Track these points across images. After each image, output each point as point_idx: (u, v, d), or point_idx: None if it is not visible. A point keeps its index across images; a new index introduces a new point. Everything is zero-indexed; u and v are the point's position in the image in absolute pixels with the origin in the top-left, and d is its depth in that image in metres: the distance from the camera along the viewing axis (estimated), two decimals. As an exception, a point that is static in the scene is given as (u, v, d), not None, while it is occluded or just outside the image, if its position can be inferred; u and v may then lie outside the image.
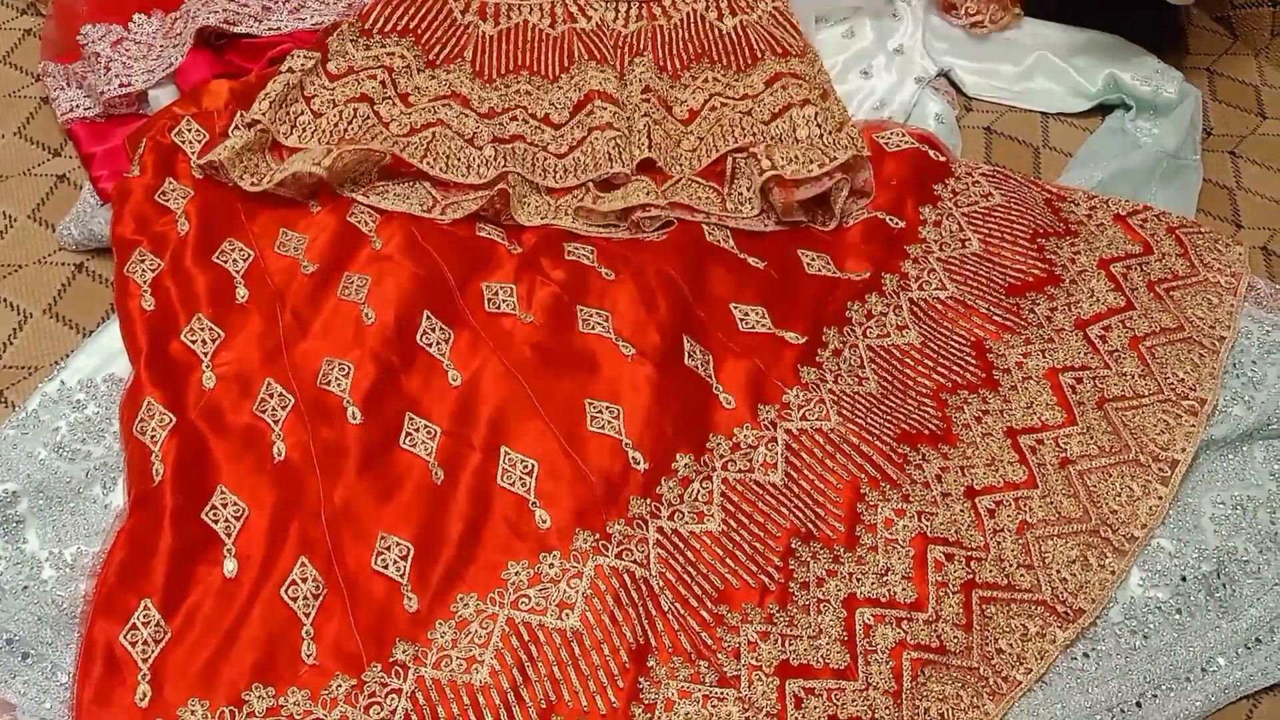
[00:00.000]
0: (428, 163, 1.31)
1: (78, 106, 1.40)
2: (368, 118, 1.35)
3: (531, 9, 1.53)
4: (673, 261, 1.25)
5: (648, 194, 1.30)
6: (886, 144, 1.43)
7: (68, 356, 1.18)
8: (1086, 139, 1.53)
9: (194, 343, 1.15)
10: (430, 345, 1.17)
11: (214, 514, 1.04)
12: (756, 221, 1.33)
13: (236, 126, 1.31)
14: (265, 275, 1.21)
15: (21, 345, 1.22)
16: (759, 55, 1.50)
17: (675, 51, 1.51)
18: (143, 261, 1.21)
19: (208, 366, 1.14)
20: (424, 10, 1.48)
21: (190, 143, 1.31)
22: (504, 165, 1.32)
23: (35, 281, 1.27)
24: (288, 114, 1.32)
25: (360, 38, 1.43)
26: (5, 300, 1.25)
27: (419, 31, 1.46)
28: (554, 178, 1.34)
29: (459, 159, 1.33)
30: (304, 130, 1.32)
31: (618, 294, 1.22)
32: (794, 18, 1.55)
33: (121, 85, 1.37)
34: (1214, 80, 1.63)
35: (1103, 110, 1.57)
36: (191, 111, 1.34)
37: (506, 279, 1.24)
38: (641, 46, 1.50)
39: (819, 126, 1.37)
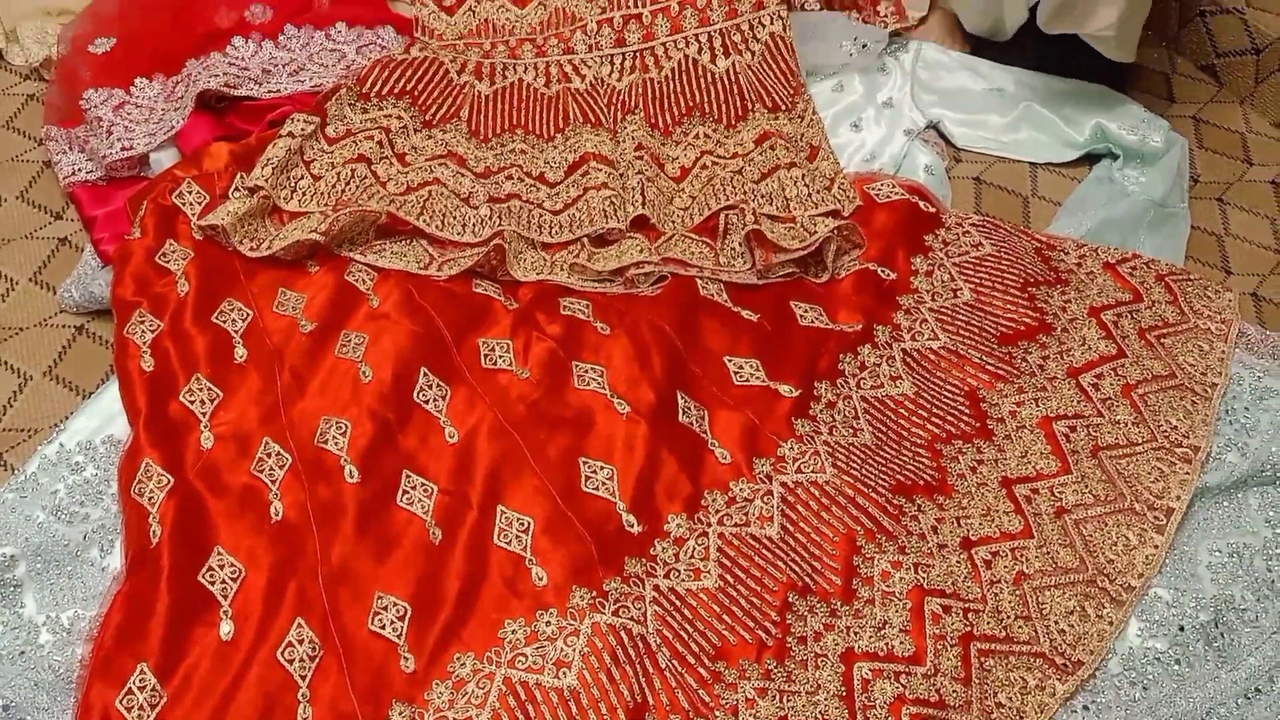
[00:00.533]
0: (424, 220, 1.33)
1: (80, 170, 1.42)
2: (365, 178, 1.37)
3: (526, 68, 1.56)
4: (667, 315, 1.26)
5: (641, 251, 1.31)
6: (877, 195, 1.45)
7: (67, 419, 1.19)
8: (1075, 188, 1.54)
9: (192, 403, 1.16)
10: (427, 402, 1.18)
11: (211, 575, 1.05)
12: (750, 275, 1.34)
13: (237, 189, 1.33)
14: (264, 334, 1.23)
15: (21, 408, 1.23)
16: (749, 107, 1.53)
17: (667, 106, 1.53)
18: (142, 322, 1.22)
19: (206, 426, 1.15)
20: (420, 72, 1.51)
21: (191, 204, 1.33)
22: (499, 224, 1.34)
23: (36, 344, 1.28)
24: (288, 179, 1.35)
25: (358, 101, 1.46)
26: (6, 363, 1.26)
27: (415, 93, 1.49)
28: (549, 233, 1.36)
29: (455, 217, 1.35)
30: (304, 194, 1.35)
31: (612, 349, 1.23)
32: (791, 40, 1.59)
33: (123, 148, 1.39)
34: (1200, 128, 1.65)
35: (1090, 159, 1.58)
36: (192, 173, 1.36)
37: (503, 335, 1.25)
38: (634, 104, 1.52)
39: (806, 186, 1.40)
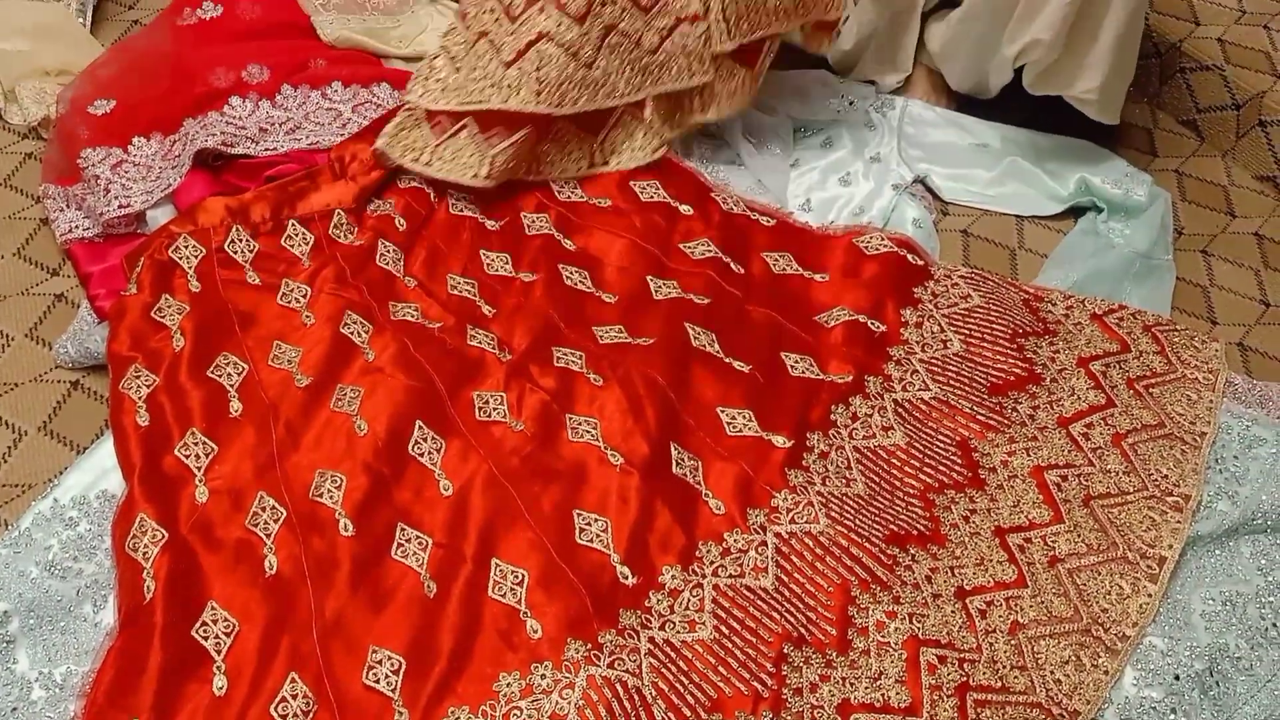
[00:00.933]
0: (542, 102, 1.40)
1: (77, 227, 1.43)
2: (485, 53, 1.43)
3: None
4: (660, 366, 1.27)
5: None
6: (866, 248, 1.47)
7: (62, 474, 1.19)
8: (1061, 240, 1.57)
9: (187, 458, 1.17)
10: (422, 455, 1.18)
11: (204, 630, 1.04)
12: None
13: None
14: (259, 388, 1.23)
15: (16, 463, 1.23)
16: None
17: None
18: (138, 377, 1.23)
19: (201, 481, 1.15)
20: None
21: (187, 259, 1.34)
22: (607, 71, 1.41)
23: (31, 399, 1.28)
24: (429, 68, 1.46)
25: None
26: (1, 419, 1.26)
27: None
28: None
29: (571, 82, 1.41)
30: (443, 83, 1.45)
31: (606, 400, 1.24)
32: None
33: (121, 206, 1.41)
34: (1183, 181, 1.68)
35: (1075, 213, 1.61)
36: (188, 229, 1.37)
37: (496, 387, 1.25)
38: None
39: None
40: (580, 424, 1.22)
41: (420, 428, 1.20)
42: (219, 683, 1.01)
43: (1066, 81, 1.51)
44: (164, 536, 1.09)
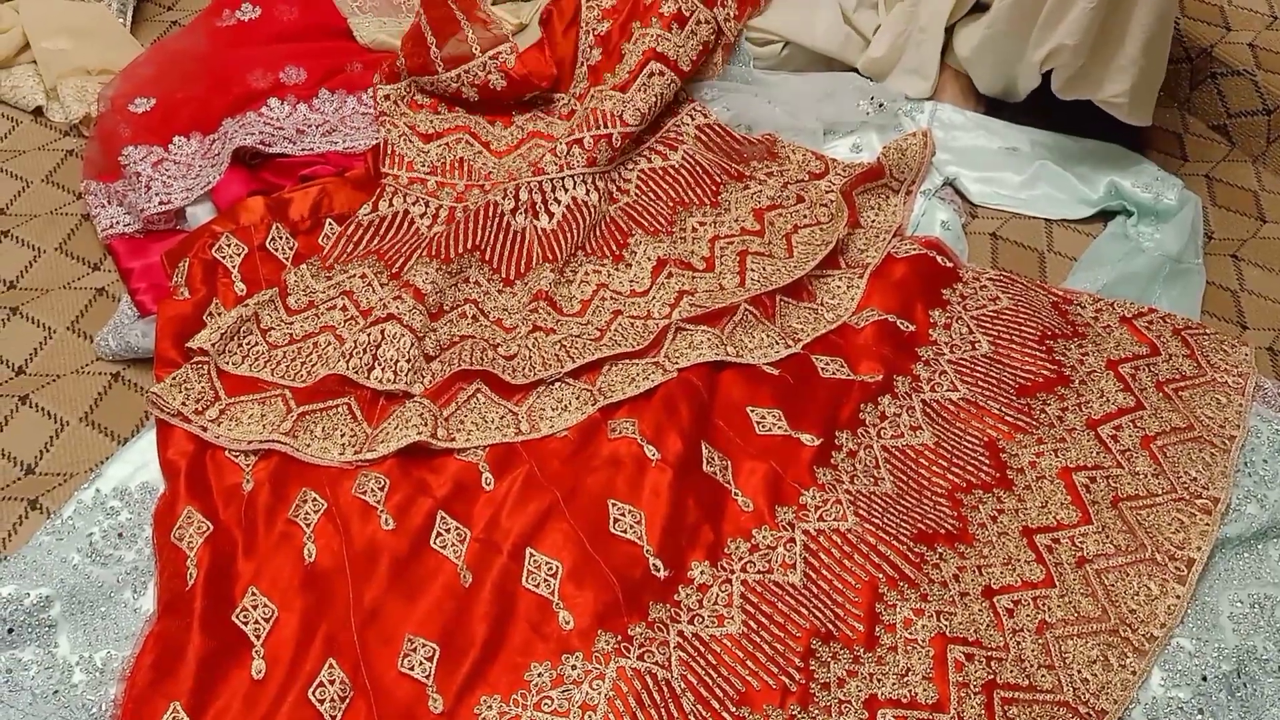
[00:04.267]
0: (376, 377, 1.27)
1: (118, 223, 1.46)
2: (329, 344, 1.31)
3: (498, 192, 1.49)
4: (694, 370, 1.28)
5: (711, 348, 1.31)
6: (896, 251, 1.48)
7: (103, 464, 1.21)
8: (1090, 244, 1.57)
9: (236, 457, 1.19)
10: (466, 455, 1.20)
11: (244, 616, 1.07)
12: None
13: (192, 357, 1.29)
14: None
15: (58, 452, 1.25)
16: (720, 182, 1.56)
17: (651, 213, 1.53)
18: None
19: (248, 478, 1.17)
20: (387, 231, 1.46)
21: (230, 258, 1.37)
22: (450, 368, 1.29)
23: (73, 391, 1.31)
24: (238, 345, 1.28)
25: (321, 272, 1.40)
26: (43, 409, 1.28)
27: (383, 250, 1.43)
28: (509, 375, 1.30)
29: (405, 361, 1.28)
30: (255, 359, 1.28)
31: (644, 404, 1.25)
32: (718, 123, 1.63)
33: (161, 203, 1.43)
34: (1213, 186, 1.68)
35: (1105, 216, 1.61)
36: (230, 228, 1.40)
37: None
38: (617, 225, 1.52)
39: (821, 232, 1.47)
40: (619, 424, 1.23)
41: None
42: (257, 666, 1.03)
43: (1095, 85, 1.51)
44: (209, 528, 1.12)
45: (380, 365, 1.26)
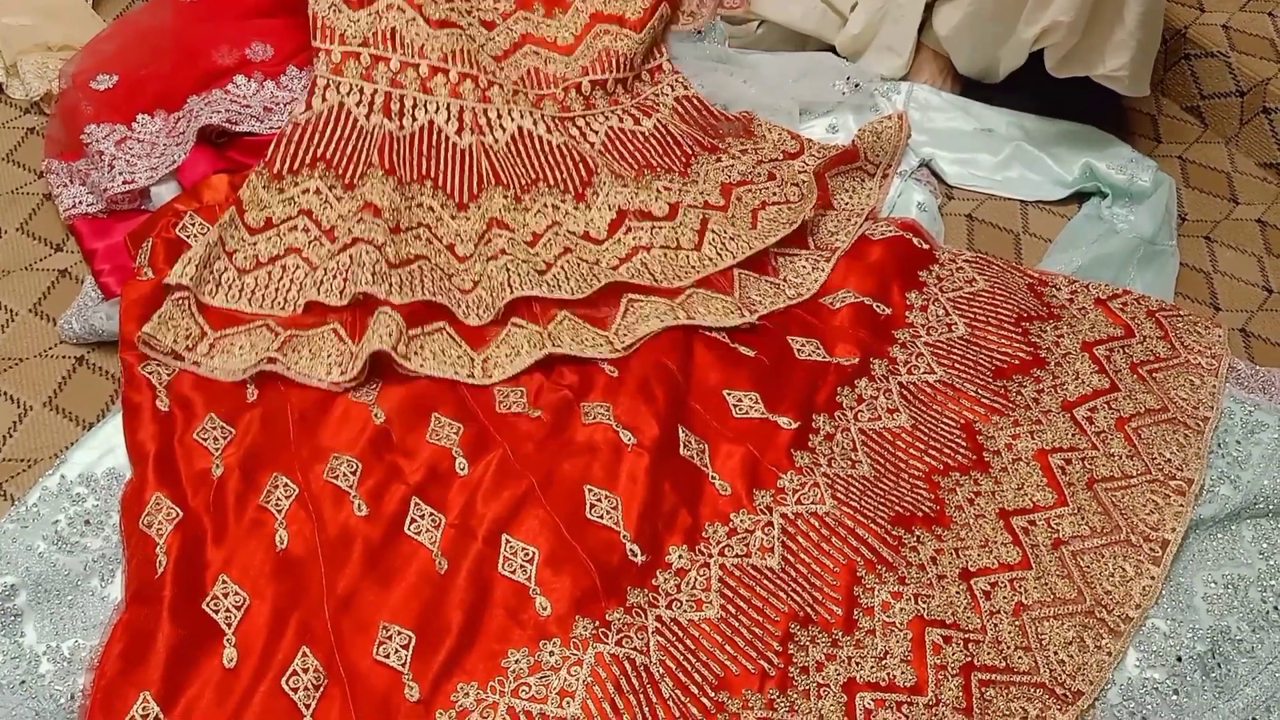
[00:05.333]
0: (347, 293, 1.28)
1: (80, 203, 1.42)
2: (297, 267, 1.33)
3: (438, 108, 1.50)
4: (668, 353, 1.27)
5: (667, 313, 1.31)
6: (872, 233, 1.47)
7: (68, 449, 1.19)
8: (1065, 225, 1.57)
9: (205, 440, 1.16)
10: (439, 440, 1.19)
11: (214, 604, 1.05)
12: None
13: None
14: (276, 377, 1.23)
15: (21, 438, 1.22)
16: (691, 152, 1.55)
17: (623, 162, 1.54)
18: (158, 364, 1.22)
19: (218, 463, 1.15)
20: (328, 131, 1.46)
21: (194, 236, 1.33)
22: (410, 294, 1.29)
23: (36, 375, 1.28)
24: (211, 273, 1.28)
25: (272, 183, 1.39)
26: (5, 394, 1.26)
27: (330, 158, 1.43)
28: (461, 311, 1.32)
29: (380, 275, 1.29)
30: (228, 288, 1.29)
31: (619, 388, 1.24)
32: (696, 96, 1.62)
33: (125, 182, 1.40)
34: (1186, 167, 1.69)
35: (1079, 197, 1.61)
36: (194, 206, 1.37)
37: (517, 383, 1.26)
38: (575, 166, 1.51)
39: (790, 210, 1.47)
40: (593, 408, 1.22)
41: (436, 418, 1.20)
42: (229, 654, 1.01)
43: (1094, 62, 1.49)
44: (178, 514, 1.09)
45: (351, 283, 1.27)
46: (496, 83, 1.55)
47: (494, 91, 1.54)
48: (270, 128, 1.47)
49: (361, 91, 1.50)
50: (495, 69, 1.57)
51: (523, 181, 1.47)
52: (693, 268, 1.39)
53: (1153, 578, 1.14)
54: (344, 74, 1.50)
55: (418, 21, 1.53)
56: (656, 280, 1.37)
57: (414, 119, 1.50)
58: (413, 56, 1.52)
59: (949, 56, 1.69)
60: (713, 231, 1.43)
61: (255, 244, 1.35)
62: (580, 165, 1.50)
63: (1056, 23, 1.47)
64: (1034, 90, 1.65)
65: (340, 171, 1.42)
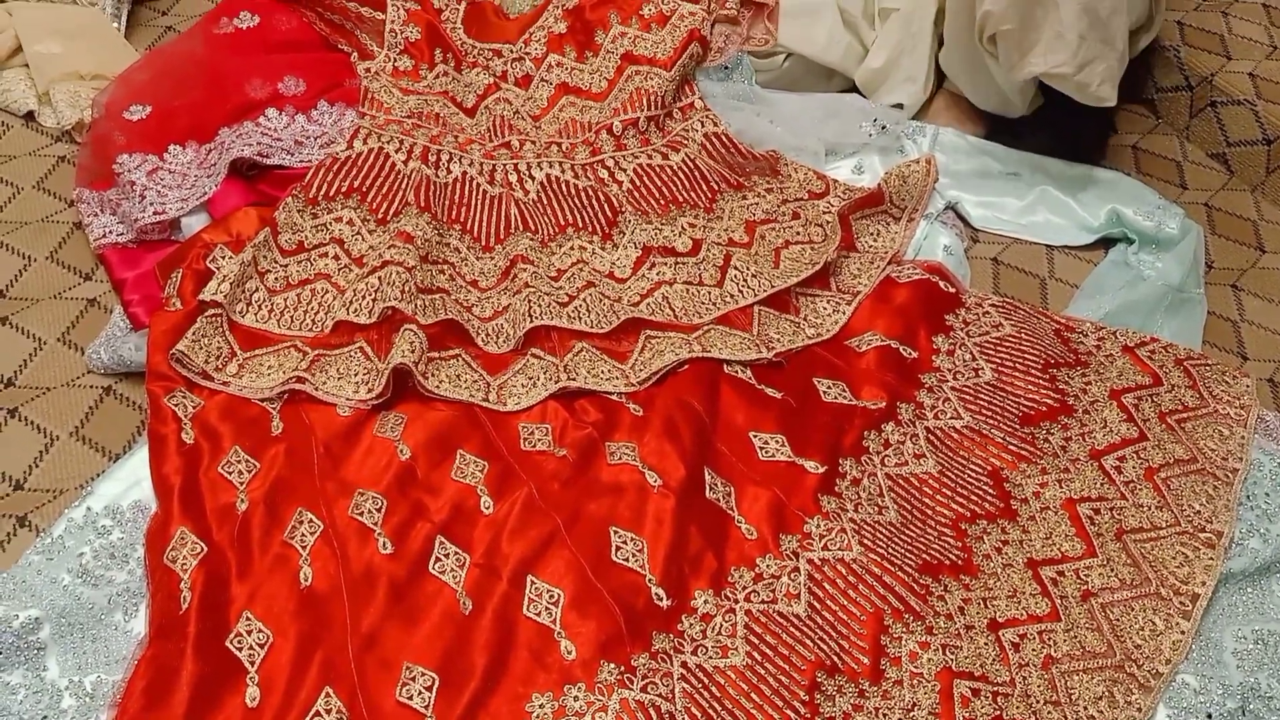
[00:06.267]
0: (375, 310, 1.30)
1: (110, 232, 1.43)
2: (326, 291, 1.35)
3: (472, 163, 1.54)
4: (694, 393, 1.27)
5: (681, 348, 1.32)
6: (898, 275, 1.47)
7: (94, 480, 1.19)
8: (1091, 271, 1.57)
9: (230, 473, 1.16)
10: (464, 477, 1.18)
11: (238, 641, 1.04)
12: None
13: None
14: (300, 412, 1.23)
15: (48, 468, 1.22)
16: (717, 189, 1.56)
17: (649, 202, 1.55)
18: (184, 396, 1.23)
19: (242, 497, 1.15)
20: (366, 167, 1.49)
21: (224, 268, 1.34)
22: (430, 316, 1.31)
23: (63, 404, 1.28)
24: (242, 291, 1.32)
25: (307, 207, 1.43)
26: (33, 423, 1.26)
27: (364, 190, 1.47)
28: (482, 338, 1.34)
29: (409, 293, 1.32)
30: (259, 307, 1.32)
31: (645, 427, 1.24)
32: (726, 133, 1.63)
33: (156, 213, 1.41)
34: (1212, 214, 1.68)
35: (1106, 243, 1.61)
36: (223, 239, 1.37)
37: (541, 419, 1.26)
38: (598, 208, 1.53)
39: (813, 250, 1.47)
40: (619, 448, 1.22)
41: (462, 455, 1.20)
42: (252, 693, 1.01)
43: (1035, 58, 1.47)
44: (203, 549, 1.09)
45: (380, 301, 1.29)
46: (530, 140, 1.59)
47: (527, 149, 1.58)
48: (301, 161, 1.48)
49: (400, 142, 1.54)
50: (531, 128, 1.61)
51: (550, 230, 1.48)
52: (713, 304, 1.40)
53: (1183, 632, 1.13)
54: (385, 130, 1.55)
55: (458, 114, 1.62)
56: (677, 316, 1.37)
57: (449, 171, 1.53)
58: (453, 131, 1.59)
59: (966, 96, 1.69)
60: (735, 268, 1.44)
61: (287, 266, 1.37)
62: (606, 206, 1.51)
63: (988, 13, 1.48)
64: (1061, 134, 1.65)
65: (374, 206, 1.45)
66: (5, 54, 1.68)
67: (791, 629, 1.10)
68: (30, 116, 1.65)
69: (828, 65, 1.75)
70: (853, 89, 1.77)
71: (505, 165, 1.56)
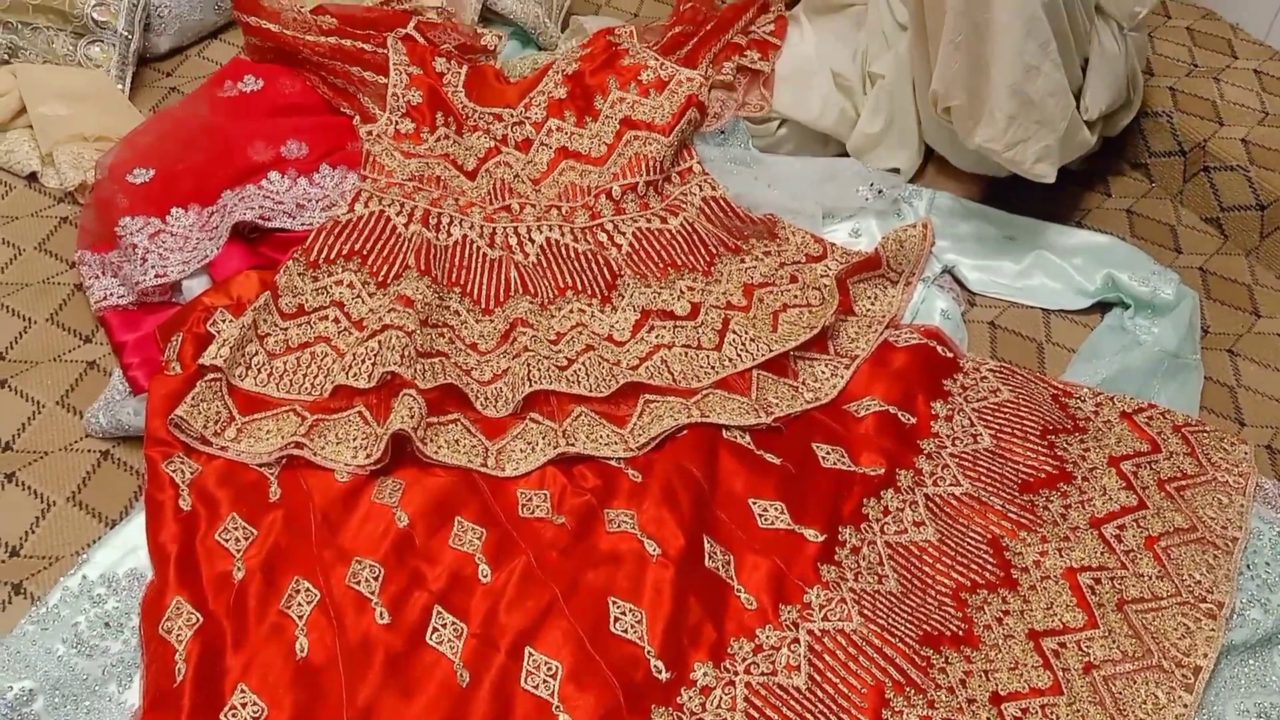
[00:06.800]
0: (373, 374, 1.30)
1: (111, 294, 1.44)
2: (325, 355, 1.36)
3: (472, 226, 1.55)
4: (693, 459, 1.27)
5: (679, 413, 1.32)
6: (895, 340, 1.48)
7: (90, 547, 1.18)
8: (1088, 335, 1.57)
9: (227, 541, 1.16)
10: (462, 545, 1.18)
11: (233, 715, 1.03)
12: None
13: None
14: (298, 478, 1.23)
15: (43, 534, 1.22)
16: (715, 254, 1.58)
17: (647, 266, 1.56)
18: (182, 462, 1.22)
19: (239, 566, 1.14)
20: (367, 231, 1.50)
21: (224, 332, 1.34)
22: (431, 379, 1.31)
23: (60, 469, 1.27)
24: (243, 355, 1.32)
25: (307, 270, 1.44)
26: (29, 488, 1.25)
27: (365, 254, 1.48)
28: (480, 402, 1.34)
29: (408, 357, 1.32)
30: (258, 371, 1.32)
31: (643, 494, 1.23)
32: (724, 198, 1.65)
33: (157, 275, 1.41)
34: (1207, 279, 1.70)
35: (1102, 307, 1.62)
36: (224, 302, 1.38)
37: (539, 485, 1.25)
38: (596, 274, 1.53)
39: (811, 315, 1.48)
40: (617, 515, 1.21)
41: (460, 522, 1.20)
42: (246, 770, 1.00)
43: (969, 129, 1.50)
44: (198, 619, 1.08)
45: (379, 365, 1.29)
46: (530, 204, 1.60)
47: (527, 212, 1.59)
48: (302, 224, 1.49)
49: (401, 205, 1.54)
50: (531, 192, 1.62)
51: (550, 293, 1.49)
52: (712, 368, 1.40)
53: (1185, 705, 1.12)
54: (386, 194, 1.56)
55: (459, 177, 1.63)
56: (675, 380, 1.37)
57: (449, 234, 1.54)
58: (454, 194, 1.60)
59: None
60: (733, 332, 1.44)
61: (287, 329, 1.37)
62: (605, 269, 1.52)
63: (935, 91, 1.51)
64: (1056, 200, 1.67)
65: (374, 269, 1.46)
66: (10, 115, 1.70)
67: (791, 702, 1.09)
68: (33, 177, 1.66)
69: (822, 131, 1.77)
70: (848, 152, 1.79)
71: (505, 228, 1.57)
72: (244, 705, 1.04)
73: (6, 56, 1.77)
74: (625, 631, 1.11)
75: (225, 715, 1.03)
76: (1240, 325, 1.61)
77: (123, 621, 1.12)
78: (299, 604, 1.12)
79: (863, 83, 1.75)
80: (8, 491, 1.25)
